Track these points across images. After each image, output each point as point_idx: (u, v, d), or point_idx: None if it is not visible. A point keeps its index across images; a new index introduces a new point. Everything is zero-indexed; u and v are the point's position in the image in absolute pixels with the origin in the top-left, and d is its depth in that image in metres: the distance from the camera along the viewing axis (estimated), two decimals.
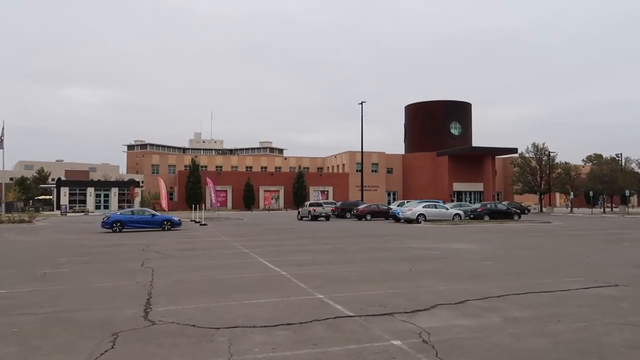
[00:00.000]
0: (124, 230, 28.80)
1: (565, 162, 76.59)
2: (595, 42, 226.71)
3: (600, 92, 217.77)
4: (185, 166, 77.44)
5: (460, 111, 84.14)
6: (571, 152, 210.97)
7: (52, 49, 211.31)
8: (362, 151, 56.37)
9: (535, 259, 14.35)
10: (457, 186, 77.04)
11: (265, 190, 75.91)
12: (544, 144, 58.60)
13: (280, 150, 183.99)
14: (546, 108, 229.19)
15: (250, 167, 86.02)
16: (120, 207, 70.80)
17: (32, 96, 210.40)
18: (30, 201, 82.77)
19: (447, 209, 37.16)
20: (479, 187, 75.97)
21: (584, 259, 14.46)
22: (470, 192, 77.71)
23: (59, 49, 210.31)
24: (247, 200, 71.68)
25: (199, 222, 39.62)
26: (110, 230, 28.59)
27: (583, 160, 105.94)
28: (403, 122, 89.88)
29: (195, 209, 46.78)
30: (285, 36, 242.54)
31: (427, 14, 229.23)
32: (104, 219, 30.13)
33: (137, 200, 69.99)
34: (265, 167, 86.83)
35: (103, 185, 69.89)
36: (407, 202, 45.08)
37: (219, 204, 69.52)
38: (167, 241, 21.62)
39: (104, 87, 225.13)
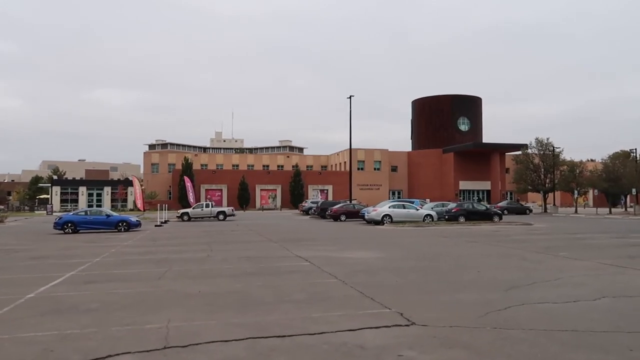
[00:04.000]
0: (78, 231, 27.21)
1: (592, 160, 71.50)
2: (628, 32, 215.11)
3: (633, 86, 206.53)
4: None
5: (468, 106, 79.84)
6: (603, 149, 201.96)
7: (79, 52, 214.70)
8: (350, 147, 53.12)
9: (408, 275, 11.34)
10: (464, 184, 73.03)
11: (262, 189, 73.59)
12: (548, 138, 54.04)
13: (300, 149, 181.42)
14: (576, 103, 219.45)
15: (252, 166, 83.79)
16: (113, 207, 69.90)
17: (63, 98, 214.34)
18: (36, 200, 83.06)
19: (417, 209, 33.84)
20: (486, 185, 71.73)
21: (469, 275, 11.34)
22: (477, 191, 73.57)
23: (86, 52, 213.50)
24: (241, 199, 69.45)
25: (162, 222, 38.34)
26: (62, 232, 26.86)
27: (609, 156, 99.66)
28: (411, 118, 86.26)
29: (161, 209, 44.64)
30: (310, 35, 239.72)
31: (452, 9, 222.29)
32: (56, 219, 28.52)
33: (130, 199, 68.93)
34: (267, 166, 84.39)
35: (96, 185, 68.97)
36: (387, 201, 41.86)
37: (213, 202, 67.89)
38: (51, 245, 19.54)
39: (132, 89, 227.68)
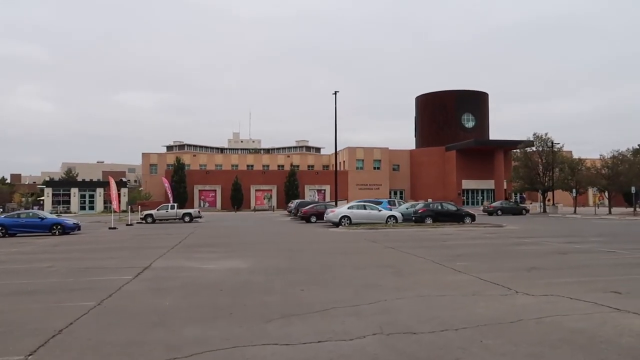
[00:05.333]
0: (11, 235, 26.19)
1: (603, 158, 67.84)
2: None
3: None
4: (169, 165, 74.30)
5: (474, 102, 76.41)
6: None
7: (103, 56, 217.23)
8: (335, 144, 50.63)
9: (205, 295, 9.16)
10: (467, 184, 69.84)
11: (256, 190, 71.83)
12: (546, 134, 50.40)
13: (317, 149, 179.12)
14: (607, 100, 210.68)
15: (252, 166, 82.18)
16: (105, 208, 69.25)
17: (88, 101, 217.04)
18: (39, 201, 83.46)
19: (380, 211, 31.32)
20: (490, 184, 68.32)
21: (282, 296, 9.07)
22: (481, 191, 70.18)
23: (110, 56, 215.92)
24: (234, 200, 67.84)
25: (128, 224, 37.07)
26: None
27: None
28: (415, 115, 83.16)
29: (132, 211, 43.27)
30: (331, 35, 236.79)
31: (474, 5, 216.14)
32: None
33: (125, 200, 68.07)
34: (268, 166, 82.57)
35: (88, 186, 68.49)
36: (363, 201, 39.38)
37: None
38: None
39: (156, 91, 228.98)
